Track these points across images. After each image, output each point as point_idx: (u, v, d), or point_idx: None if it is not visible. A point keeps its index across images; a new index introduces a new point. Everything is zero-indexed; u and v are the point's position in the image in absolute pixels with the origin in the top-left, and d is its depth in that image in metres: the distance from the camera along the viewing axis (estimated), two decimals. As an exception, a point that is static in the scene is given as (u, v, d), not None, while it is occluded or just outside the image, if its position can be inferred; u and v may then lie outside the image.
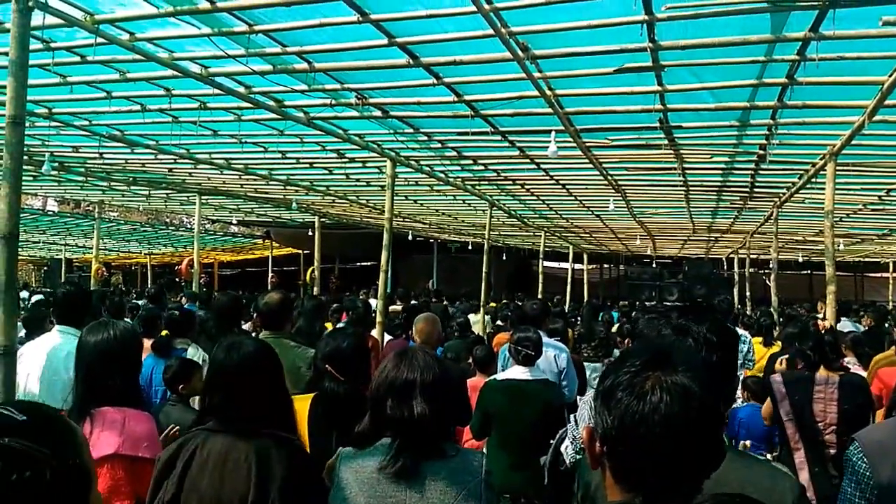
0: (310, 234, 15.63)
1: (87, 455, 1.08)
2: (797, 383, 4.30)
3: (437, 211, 14.44)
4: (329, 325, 7.69)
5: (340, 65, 5.03)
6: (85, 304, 4.35)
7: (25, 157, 8.73)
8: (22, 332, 6.40)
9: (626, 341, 2.80)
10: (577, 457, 3.13)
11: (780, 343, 7.83)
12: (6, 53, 3.66)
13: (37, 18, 3.88)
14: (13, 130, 3.60)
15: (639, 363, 1.18)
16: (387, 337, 7.27)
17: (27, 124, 4.64)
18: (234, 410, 2.26)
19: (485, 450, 4.30)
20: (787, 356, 5.02)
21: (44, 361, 3.92)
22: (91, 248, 16.83)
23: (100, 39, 4.52)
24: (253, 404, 2.27)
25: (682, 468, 1.13)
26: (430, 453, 2.12)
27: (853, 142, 5.95)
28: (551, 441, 4.30)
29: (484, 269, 11.19)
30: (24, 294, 17.63)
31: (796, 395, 4.27)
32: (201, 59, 5.10)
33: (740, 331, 7.24)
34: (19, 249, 3.82)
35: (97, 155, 9.15)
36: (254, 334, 6.51)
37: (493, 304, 13.78)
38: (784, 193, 9.27)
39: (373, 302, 10.31)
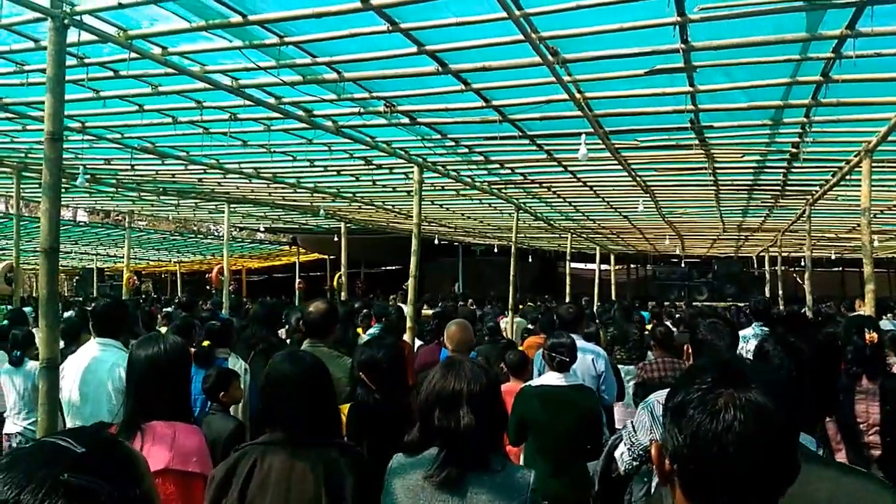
0: (336, 239, 15.71)
1: (148, 482, 1.07)
2: (840, 383, 4.23)
3: (462, 215, 14.43)
4: (360, 331, 7.71)
5: (369, 74, 5.05)
6: (122, 315, 4.41)
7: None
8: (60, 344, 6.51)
9: (686, 348, 2.75)
10: (634, 464, 3.09)
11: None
12: (43, 70, 3.74)
13: (72, 35, 3.96)
14: (52, 146, 3.67)
15: (710, 379, 1.15)
16: (417, 342, 7.27)
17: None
18: (295, 422, 2.27)
19: (522, 456, 4.28)
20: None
21: (88, 374, 3.97)
22: (122, 258, 17.07)
23: (133, 54, 4.59)
24: (311, 415, 2.29)
25: (756, 487, 1.10)
26: (477, 465, 2.11)
27: (889, 138, 5.83)
28: (588, 446, 4.27)
29: (511, 273, 11.15)
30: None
31: (838, 396, 4.19)
32: (232, 72, 5.16)
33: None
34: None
35: (129, 167, 9.29)
36: (288, 342, 6.58)
37: (522, 307, 13.73)
38: (817, 191, 9.12)
39: (402, 307, 10.33)
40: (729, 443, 1.09)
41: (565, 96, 5.13)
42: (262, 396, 2.53)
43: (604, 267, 20.19)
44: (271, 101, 5.70)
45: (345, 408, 3.39)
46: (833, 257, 19.04)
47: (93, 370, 3.96)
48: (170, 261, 27.82)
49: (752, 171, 8.35)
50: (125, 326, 4.51)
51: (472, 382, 2.13)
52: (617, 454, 3.17)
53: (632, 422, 3.09)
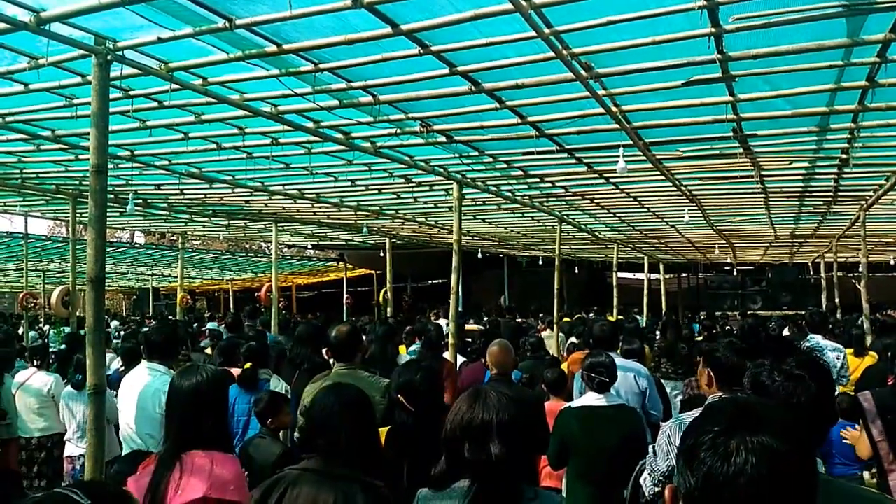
0: (382, 254, 15.84)
1: None
2: (889, 400, 4.06)
3: (505, 228, 14.39)
4: (402, 349, 7.74)
5: (404, 95, 5.09)
6: (172, 341, 4.53)
7: (112, 196, 9.20)
8: (119, 366, 6.73)
9: (707, 373, 2.70)
10: (656, 489, 3.03)
11: (874, 354, 7.42)
12: (89, 104, 3.88)
13: (116, 70, 4.10)
14: (97, 178, 3.79)
15: (723, 421, 1.13)
16: (460, 359, 7.24)
17: (112, 166, 4.85)
18: (332, 453, 2.31)
19: (564, 480, 4.22)
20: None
21: (134, 398, 4.11)
22: (176, 277, 17.53)
23: (174, 86, 4.73)
24: (349, 448, 2.33)
25: None
26: (509, 497, 2.09)
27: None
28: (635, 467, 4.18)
29: (555, 286, 11.04)
30: (114, 324, 18.52)
31: (889, 414, 4.02)
32: (271, 99, 5.26)
33: (834, 344, 6.86)
34: (110, 281, 4.06)
35: (178, 191, 9.55)
36: (332, 361, 6.64)
37: (566, 319, 13.59)
38: (871, 196, 8.82)
39: (444, 323, 10.33)
40: (741, 486, 1.07)
41: (601, 110, 5.08)
42: (305, 424, 2.57)
43: (653, 276, 19.82)
44: (310, 125, 5.80)
45: (383, 431, 3.41)
46: (893, 262, 18.32)
47: (140, 394, 4.08)
48: (222, 279, 28.43)
49: (801, 177, 8.11)
50: (175, 349, 4.62)
51: (500, 412, 2.10)
52: (641, 479, 3.11)
53: (653, 446, 3.04)
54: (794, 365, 1.96)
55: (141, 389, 4.18)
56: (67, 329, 10.39)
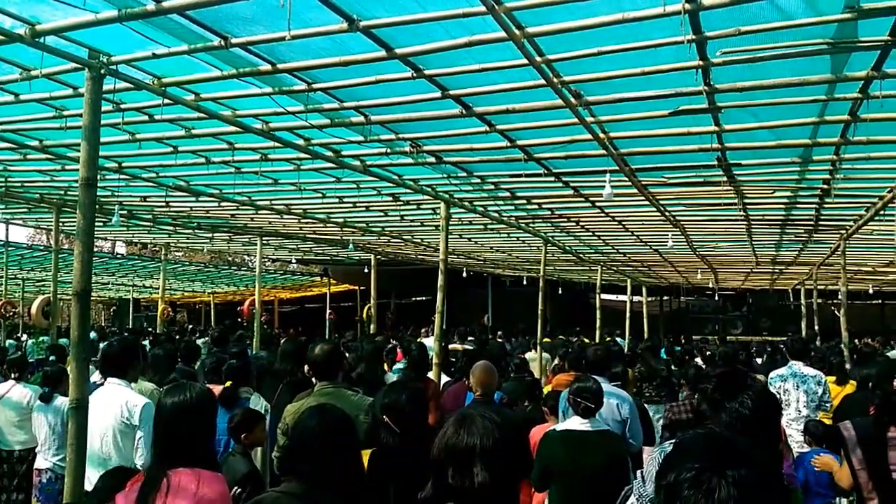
0: (366, 270, 15.82)
1: None
2: (870, 430, 4.11)
3: (490, 248, 14.44)
4: (385, 366, 7.71)
5: (396, 117, 5.14)
6: (130, 357, 4.52)
7: (96, 207, 9.13)
8: (97, 377, 6.64)
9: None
10: (643, 514, 3.04)
11: (854, 383, 7.50)
12: (80, 115, 3.88)
13: (108, 84, 4.10)
14: (86, 192, 3.79)
15: (702, 457, 1.17)
16: (444, 378, 7.22)
17: (98, 177, 4.84)
18: (313, 476, 2.30)
19: (546, 502, 4.22)
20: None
21: (101, 415, 4.10)
22: (157, 289, 17.39)
23: (167, 101, 4.74)
24: (331, 471, 2.32)
25: None
26: (493, 523, 2.09)
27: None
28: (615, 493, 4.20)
29: (539, 307, 11.08)
30: (92, 335, 18.30)
31: (869, 443, 4.08)
32: (263, 116, 5.28)
33: (814, 371, 6.93)
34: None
35: (164, 203, 9.51)
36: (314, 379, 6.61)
37: (547, 340, 13.62)
38: (851, 226, 8.96)
39: (429, 341, 10.31)
40: None
41: (589, 136, 5.15)
42: (287, 446, 2.56)
43: (636, 299, 19.92)
44: (300, 142, 5.83)
45: (367, 453, 3.40)
46: (871, 291, 18.57)
47: (104, 410, 4.08)
48: (204, 292, 28.23)
49: (783, 206, 8.24)
50: (133, 365, 4.60)
51: (484, 437, 2.10)
52: (628, 504, 3.12)
53: (641, 472, 3.06)
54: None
55: (105, 405, 4.18)
56: (46, 339, 10.26)
